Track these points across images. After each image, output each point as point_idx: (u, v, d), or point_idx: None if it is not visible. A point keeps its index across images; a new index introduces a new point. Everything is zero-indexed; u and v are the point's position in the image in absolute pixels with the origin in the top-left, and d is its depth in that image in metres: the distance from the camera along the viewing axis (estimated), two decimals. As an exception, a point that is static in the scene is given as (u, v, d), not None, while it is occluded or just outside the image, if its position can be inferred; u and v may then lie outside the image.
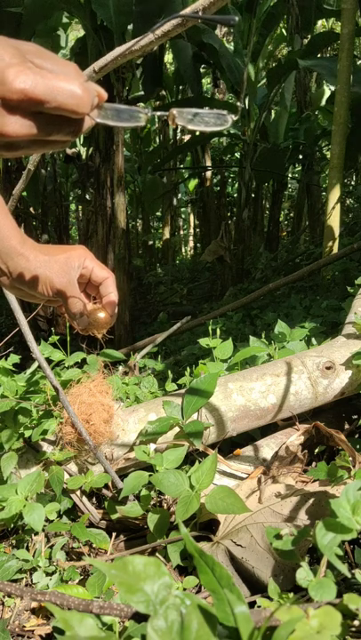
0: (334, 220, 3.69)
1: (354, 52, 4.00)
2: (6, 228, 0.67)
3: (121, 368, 2.19)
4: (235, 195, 10.42)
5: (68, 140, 0.54)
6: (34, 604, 1.02)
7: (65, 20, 7.10)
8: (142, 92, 7.14)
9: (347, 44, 3.48)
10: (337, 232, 3.70)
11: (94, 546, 1.16)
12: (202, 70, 7.86)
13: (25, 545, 1.16)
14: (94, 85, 0.52)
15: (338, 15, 4.81)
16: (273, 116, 7.51)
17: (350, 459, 0.98)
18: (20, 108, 0.48)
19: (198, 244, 12.29)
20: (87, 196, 7.64)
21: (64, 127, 0.51)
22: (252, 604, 0.86)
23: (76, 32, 10.21)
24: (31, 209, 9.36)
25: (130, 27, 5.64)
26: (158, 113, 0.57)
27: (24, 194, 7.86)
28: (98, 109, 0.53)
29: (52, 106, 0.48)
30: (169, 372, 1.75)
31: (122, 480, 1.15)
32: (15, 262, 0.68)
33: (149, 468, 1.15)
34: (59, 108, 0.48)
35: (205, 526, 1.09)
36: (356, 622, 0.57)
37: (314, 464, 1.21)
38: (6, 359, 1.44)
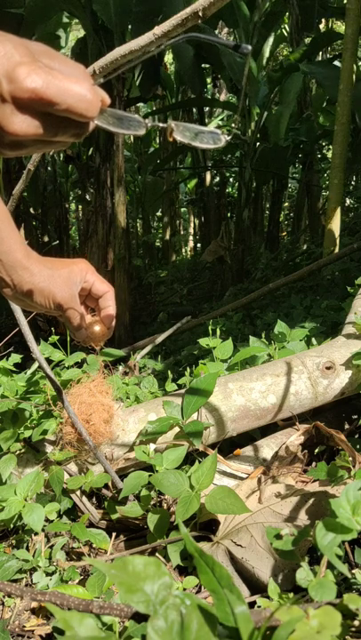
0: (335, 221, 3.69)
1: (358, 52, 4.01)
2: (12, 242, 0.68)
3: (121, 368, 2.19)
4: (235, 195, 10.42)
5: (71, 142, 0.54)
6: (34, 604, 1.02)
7: (65, 20, 7.10)
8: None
9: (350, 45, 3.49)
10: (338, 234, 3.70)
11: (94, 546, 1.16)
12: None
13: (25, 545, 1.16)
14: (100, 90, 0.52)
15: (343, 13, 4.80)
16: (273, 115, 7.50)
17: (350, 459, 0.98)
18: (30, 107, 0.48)
19: (198, 244, 12.29)
20: (87, 196, 7.64)
21: (70, 129, 0.51)
22: (252, 604, 0.86)
23: (76, 32, 10.20)
24: (31, 209, 9.36)
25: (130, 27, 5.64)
26: (160, 125, 0.58)
27: (24, 194, 7.86)
28: (100, 114, 0.53)
29: (62, 108, 0.48)
30: (169, 372, 1.75)
31: (122, 480, 1.15)
32: (19, 275, 0.68)
33: (149, 468, 1.15)
34: (68, 110, 0.48)
35: (205, 526, 1.09)
36: (356, 622, 0.57)
37: (314, 464, 1.21)
38: (6, 359, 1.44)
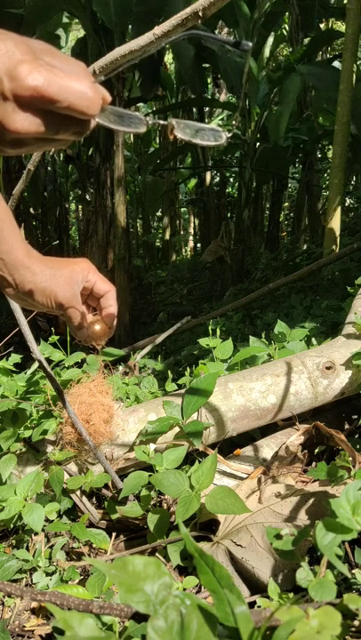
0: (335, 221, 3.69)
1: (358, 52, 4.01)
2: (14, 241, 0.68)
3: (121, 368, 2.19)
4: (235, 195, 10.42)
5: (72, 140, 0.54)
6: (34, 604, 1.02)
7: (65, 20, 7.11)
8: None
9: (350, 45, 3.49)
10: (338, 234, 3.71)
11: (94, 546, 1.16)
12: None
13: (25, 545, 1.16)
14: (101, 87, 0.52)
15: (343, 13, 4.80)
16: (273, 115, 7.50)
17: (350, 459, 0.98)
18: (31, 105, 0.48)
19: (198, 244, 12.29)
20: (87, 196, 7.64)
21: (71, 127, 0.51)
22: (252, 604, 0.86)
23: (76, 32, 10.20)
24: (31, 209, 9.36)
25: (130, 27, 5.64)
26: (161, 122, 0.58)
27: (24, 194, 7.87)
28: (100, 111, 0.53)
29: (64, 105, 0.48)
30: (169, 372, 1.75)
31: (122, 480, 1.15)
32: (21, 275, 0.68)
33: (149, 467, 1.15)
34: (69, 108, 0.48)
35: (205, 526, 1.09)
36: (356, 622, 0.57)
37: (314, 464, 1.21)
38: (6, 359, 1.44)
